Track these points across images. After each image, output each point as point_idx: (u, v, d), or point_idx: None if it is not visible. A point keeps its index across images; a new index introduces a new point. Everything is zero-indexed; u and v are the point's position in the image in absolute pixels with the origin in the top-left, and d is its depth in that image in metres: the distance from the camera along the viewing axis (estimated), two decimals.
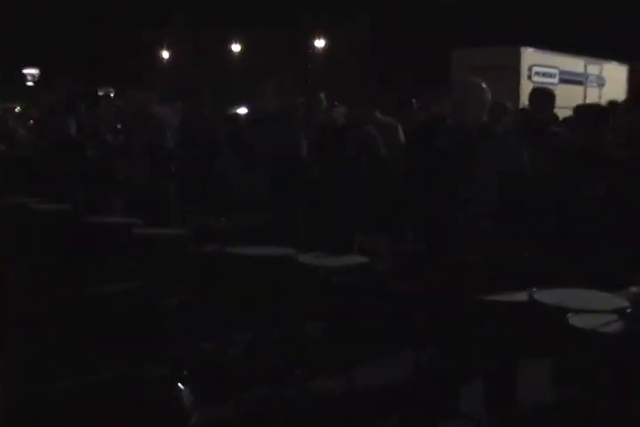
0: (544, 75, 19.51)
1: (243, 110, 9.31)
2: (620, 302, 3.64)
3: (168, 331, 5.48)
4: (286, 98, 5.71)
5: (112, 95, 21.21)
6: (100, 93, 17.44)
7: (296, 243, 5.03)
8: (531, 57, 19.43)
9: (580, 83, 21.08)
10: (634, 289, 3.73)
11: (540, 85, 11.59)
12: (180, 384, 4.85)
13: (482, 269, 4.12)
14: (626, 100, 8.61)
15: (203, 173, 6.50)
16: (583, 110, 5.25)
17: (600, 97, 21.50)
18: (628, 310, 3.52)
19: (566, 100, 15.73)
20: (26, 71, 48.06)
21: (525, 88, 17.37)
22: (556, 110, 7.00)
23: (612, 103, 7.75)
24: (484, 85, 4.64)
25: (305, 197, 5.64)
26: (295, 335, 4.93)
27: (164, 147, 6.94)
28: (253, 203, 5.43)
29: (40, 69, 47.34)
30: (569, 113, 13.11)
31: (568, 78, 20.48)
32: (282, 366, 4.95)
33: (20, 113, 13.72)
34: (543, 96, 6.52)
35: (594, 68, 21.69)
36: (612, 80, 22.06)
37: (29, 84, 46.30)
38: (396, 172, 7.00)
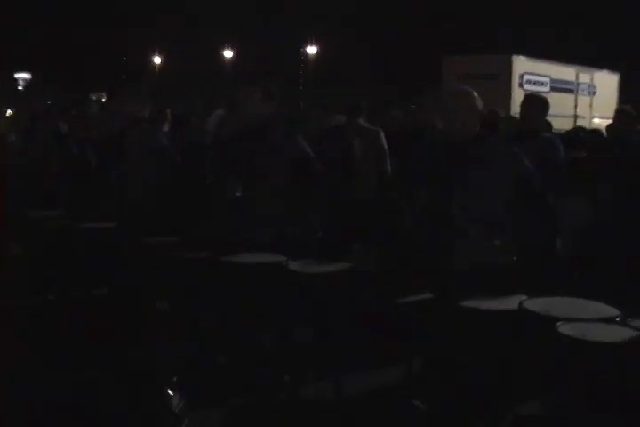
0: (535, 83, 19.58)
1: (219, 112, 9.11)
2: (609, 310, 3.66)
3: (158, 336, 5.46)
4: (275, 105, 5.62)
5: (104, 100, 21.22)
6: (93, 98, 17.44)
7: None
8: (522, 65, 19.50)
9: (571, 91, 21.16)
10: None
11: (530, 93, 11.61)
12: (169, 390, 4.83)
13: (471, 276, 4.14)
14: None
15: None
16: None
17: (591, 105, 21.61)
18: (617, 319, 3.54)
19: (557, 109, 15.82)
20: (17, 75, 47.98)
21: (516, 96, 17.44)
22: (547, 118, 7.01)
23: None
24: (474, 94, 4.63)
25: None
26: (284, 342, 4.92)
27: (162, 149, 6.90)
28: (264, 217, 5.32)
29: (32, 74, 47.28)
30: (560, 121, 13.22)
31: (559, 86, 20.55)
32: (271, 372, 4.94)
33: (10, 117, 13.68)
34: (535, 103, 6.53)
35: (585, 77, 21.78)
36: (603, 88, 22.16)
37: (21, 88, 46.21)
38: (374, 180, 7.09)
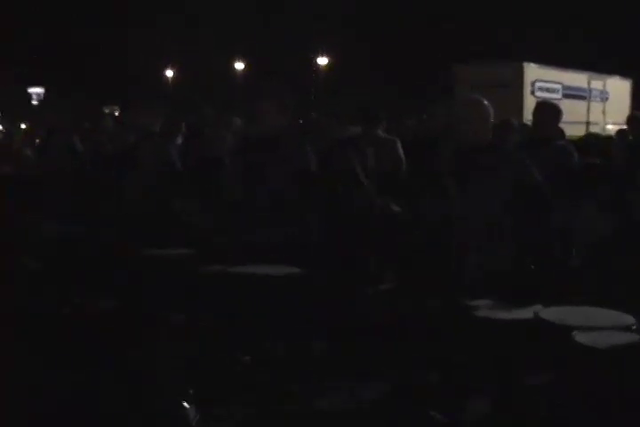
0: (547, 90, 19.57)
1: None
2: (626, 319, 3.64)
3: (172, 349, 5.47)
4: (289, 116, 5.69)
5: (117, 113, 21.36)
6: (106, 111, 17.52)
7: (307, 261, 4.99)
8: (534, 72, 19.50)
9: (583, 98, 21.15)
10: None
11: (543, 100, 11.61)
12: (184, 403, 4.83)
13: (483, 284, 4.13)
14: None
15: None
16: None
17: (604, 111, 21.57)
18: (634, 327, 3.52)
19: (570, 116, 15.81)
20: (31, 90, 48.30)
21: (528, 104, 17.43)
22: (560, 125, 7.00)
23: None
24: (485, 102, 4.63)
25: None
26: (298, 353, 4.92)
27: (172, 163, 6.94)
28: (263, 219, 5.39)
29: (45, 88, 47.59)
30: (573, 128, 13.19)
31: (571, 93, 20.53)
32: (285, 383, 4.93)
33: (25, 132, 13.78)
34: (548, 110, 6.53)
35: (597, 83, 21.76)
36: (615, 94, 22.12)
37: (34, 103, 46.51)
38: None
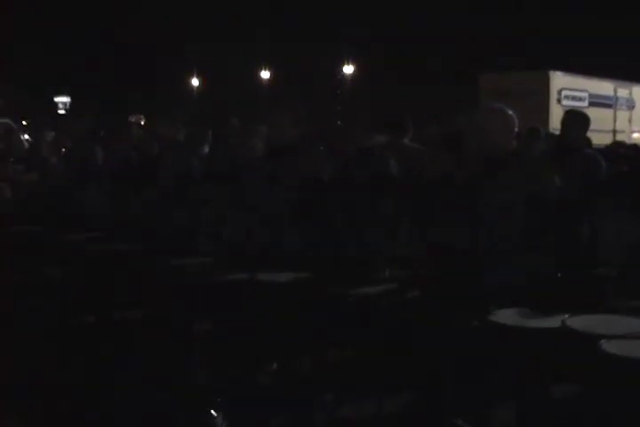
0: (573, 98, 19.48)
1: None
2: None
3: (198, 357, 5.47)
4: (303, 126, 5.82)
5: (142, 122, 21.46)
6: (132, 120, 17.58)
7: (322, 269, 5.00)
8: (560, 80, 19.42)
9: (609, 106, 21.04)
10: None
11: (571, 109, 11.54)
12: (212, 411, 4.84)
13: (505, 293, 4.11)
14: None
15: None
16: None
17: (630, 120, 21.46)
18: None
19: (596, 124, 15.73)
20: (57, 99, 48.65)
21: (555, 112, 17.37)
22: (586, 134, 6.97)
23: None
24: (508, 111, 4.57)
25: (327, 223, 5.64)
26: (322, 362, 4.91)
27: (188, 174, 6.97)
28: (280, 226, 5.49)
29: (71, 98, 47.92)
30: (599, 136, 13.10)
31: (598, 101, 20.43)
32: (311, 392, 4.92)
33: (52, 141, 13.86)
34: (576, 119, 6.49)
35: (623, 91, 21.65)
36: None
37: (61, 112, 46.81)
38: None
